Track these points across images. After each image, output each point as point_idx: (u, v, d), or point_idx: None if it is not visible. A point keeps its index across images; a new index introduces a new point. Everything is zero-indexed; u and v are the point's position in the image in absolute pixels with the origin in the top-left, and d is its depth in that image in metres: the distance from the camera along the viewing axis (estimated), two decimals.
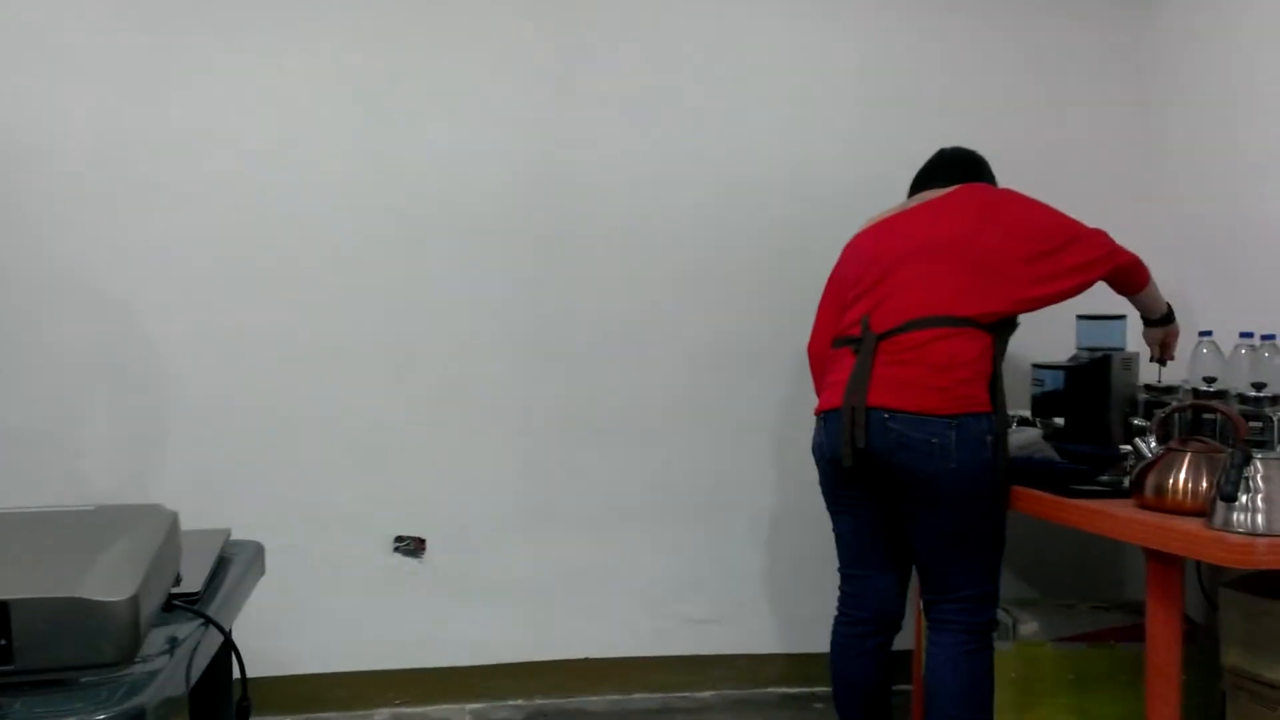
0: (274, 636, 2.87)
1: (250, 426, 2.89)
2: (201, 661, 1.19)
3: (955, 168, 2.53)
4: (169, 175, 2.85)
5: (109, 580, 1.02)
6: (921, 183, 2.57)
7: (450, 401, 3.01)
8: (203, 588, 1.29)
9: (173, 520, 1.21)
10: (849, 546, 2.40)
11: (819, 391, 2.46)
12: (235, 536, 1.56)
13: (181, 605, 1.22)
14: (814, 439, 2.41)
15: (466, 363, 3.01)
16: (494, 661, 3.01)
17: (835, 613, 2.44)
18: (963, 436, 2.15)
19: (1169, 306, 2.57)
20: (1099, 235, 2.36)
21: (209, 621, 1.21)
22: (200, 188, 2.86)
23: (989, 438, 2.17)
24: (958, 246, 2.28)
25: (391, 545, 2.97)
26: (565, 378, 3.06)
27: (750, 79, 3.16)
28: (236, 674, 1.34)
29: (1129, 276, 2.42)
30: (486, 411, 3.02)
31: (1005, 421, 2.27)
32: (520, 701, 3.02)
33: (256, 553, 1.55)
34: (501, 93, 3.02)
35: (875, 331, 2.25)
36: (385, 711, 2.95)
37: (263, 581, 2.85)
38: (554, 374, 3.06)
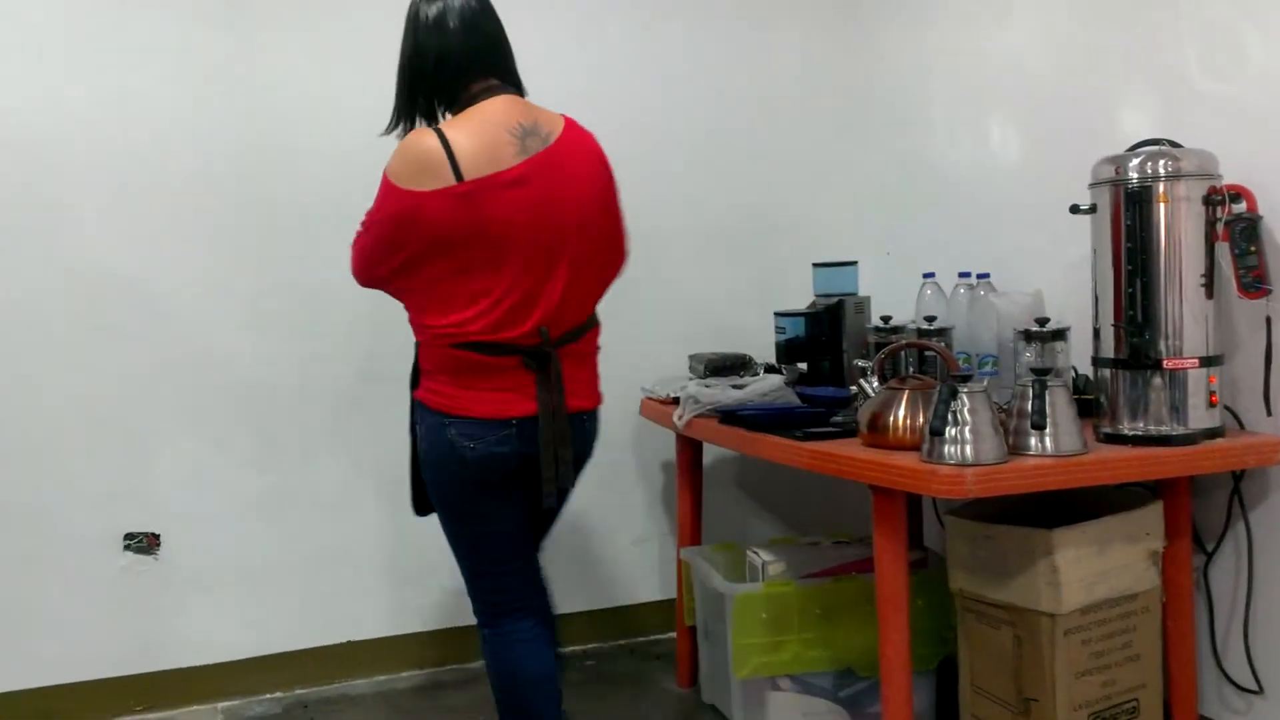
0: None
1: None
2: None
3: (505, 60, 2.10)
4: None
5: None
6: (482, 67, 2.04)
7: (167, 383, 2.78)
8: None
9: None
10: (511, 542, 2.16)
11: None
12: None
13: None
14: (492, 446, 2.01)
15: (181, 339, 2.79)
16: (245, 656, 2.86)
17: (489, 616, 2.15)
18: None
19: None
20: None
21: None
22: None
23: None
24: (600, 234, 2.08)
25: (121, 543, 2.75)
26: (295, 351, 2.90)
27: None
28: None
29: None
30: (210, 391, 2.82)
31: None
32: (278, 694, 2.88)
33: None
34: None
35: (554, 337, 2.01)
36: (128, 719, 2.74)
37: None
38: (283, 347, 2.89)
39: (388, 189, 1.96)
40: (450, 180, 1.92)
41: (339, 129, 2.88)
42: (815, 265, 2.91)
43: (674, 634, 2.97)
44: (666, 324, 3.20)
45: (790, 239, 3.30)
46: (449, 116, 2.04)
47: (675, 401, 2.73)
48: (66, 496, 2.70)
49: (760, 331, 3.05)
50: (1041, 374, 1.96)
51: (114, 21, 2.72)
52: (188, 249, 2.80)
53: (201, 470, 2.81)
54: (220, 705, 2.81)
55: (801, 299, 2.95)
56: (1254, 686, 2.18)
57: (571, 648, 3.14)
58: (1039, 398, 1.92)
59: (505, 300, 1.96)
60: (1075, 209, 2.13)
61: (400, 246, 1.98)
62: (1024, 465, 1.90)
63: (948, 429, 1.88)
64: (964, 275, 2.65)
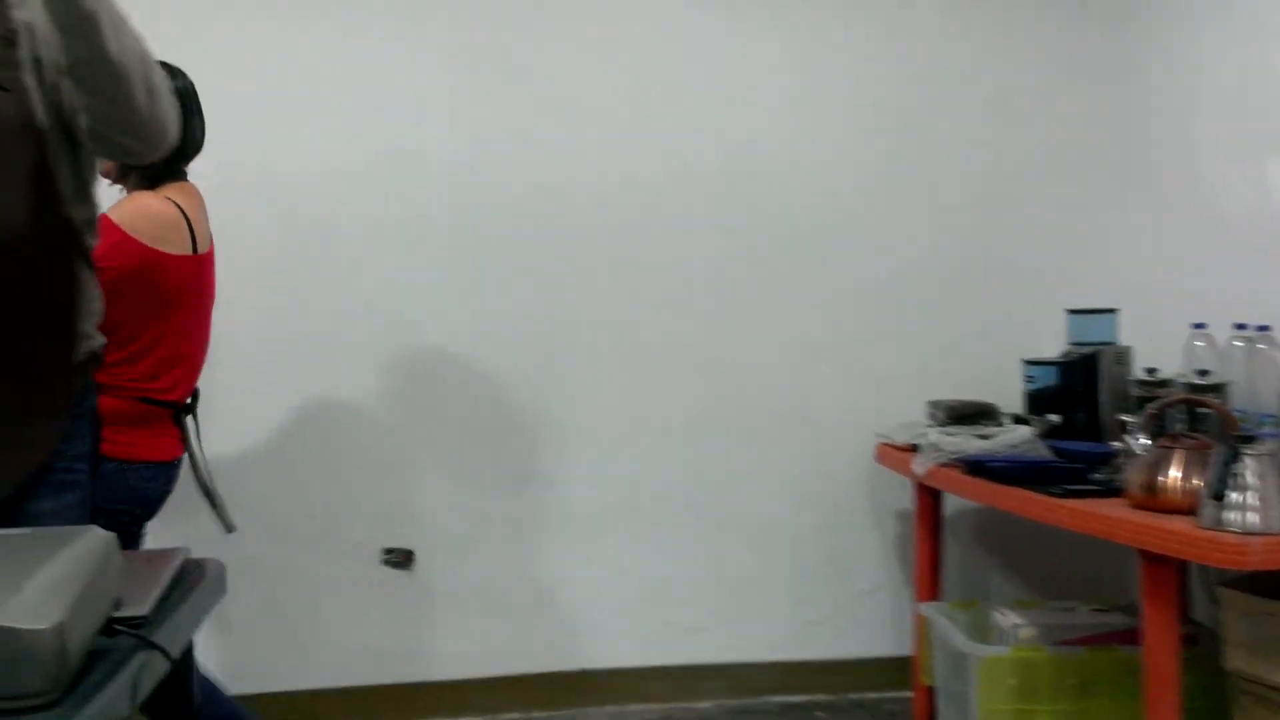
0: (267, 652, 2.87)
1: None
2: (147, 687, 1.15)
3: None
4: None
5: (33, 607, 0.98)
6: (194, 148, 2.16)
7: (436, 410, 2.98)
8: (150, 610, 1.25)
9: (108, 541, 1.17)
10: None
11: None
12: (211, 553, 1.52)
13: (125, 630, 1.17)
14: (151, 484, 2.09)
15: (452, 371, 2.98)
16: (487, 675, 2.97)
17: None
18: None
19: None
20: None
21: (152, 645, 1.17)
22: None
23: None
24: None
25: (380, 558, 2.94)
26: (549, 382, 3.03)
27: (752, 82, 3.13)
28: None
29: None
30: (473, 419, 2.99)
31: None
32: (516, 715, 2.97)
33: (217, 571, 1.50)
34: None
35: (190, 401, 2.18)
36: None
37: (254, 598, 2.84)
38: (537, 378, 3.03)
39: (124, 241, 1.96)
40: (188, 249, 2.06)
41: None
42: (1070, 311, 2.77)
43: (909, 692, 2.87)
44: (902, 369, 3.14)
45: (1038, 283, 3.17)
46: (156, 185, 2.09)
47: (914, 449, 2.66)
48: (334, 512, 2.92)
49: (999, 379, 2.94)
50: None
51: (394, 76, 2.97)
52: (448, 289, 3.00)
53: (459, 493, 2.97)
54: None
55: (1048, 347, 2.82)
56: None
57: (801, 697, 3.09)
58: None
59: (190, 364, 2.13)
60: None
61: (120, 298, 1.94)
62: None
63: (1230, 493, 1.74)
64: (1240, 327, 2.46)
